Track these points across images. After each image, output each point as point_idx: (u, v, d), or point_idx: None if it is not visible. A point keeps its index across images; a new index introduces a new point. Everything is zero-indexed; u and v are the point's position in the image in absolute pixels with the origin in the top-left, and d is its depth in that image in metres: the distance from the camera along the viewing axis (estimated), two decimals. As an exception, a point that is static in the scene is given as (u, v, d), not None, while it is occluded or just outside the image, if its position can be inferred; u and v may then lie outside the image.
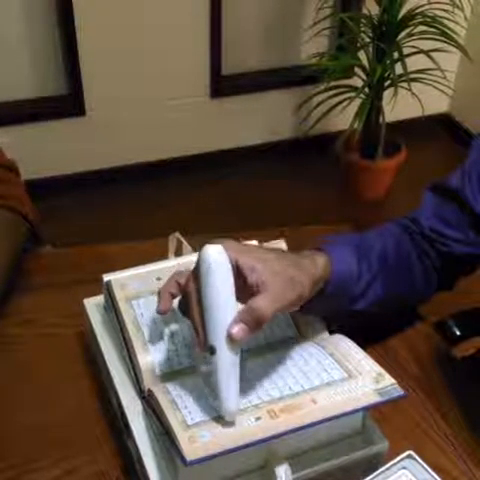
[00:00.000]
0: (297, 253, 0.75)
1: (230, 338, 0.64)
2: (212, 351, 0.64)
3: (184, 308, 0.70)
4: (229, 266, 0.66)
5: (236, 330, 0.64)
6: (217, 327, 0.64)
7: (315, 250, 0.77)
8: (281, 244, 0.85)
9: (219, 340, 0.64)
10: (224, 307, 0.65)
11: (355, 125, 2.44)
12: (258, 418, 0.65)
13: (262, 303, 0.65)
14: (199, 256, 0.66)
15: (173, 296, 0.72)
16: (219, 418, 0.65)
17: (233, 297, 0.66)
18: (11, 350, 0.90)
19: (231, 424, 0.64)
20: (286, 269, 0.69)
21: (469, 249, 0.88)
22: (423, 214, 0.90)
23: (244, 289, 0.67)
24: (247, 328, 0.64)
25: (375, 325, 0.93)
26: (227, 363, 0.65)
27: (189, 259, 0.84)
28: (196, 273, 0.67)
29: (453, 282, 0.95)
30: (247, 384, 0.68)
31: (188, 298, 0.68)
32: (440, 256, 0.89)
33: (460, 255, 0.89)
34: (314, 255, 0.75)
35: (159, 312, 0.72)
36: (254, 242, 0.88)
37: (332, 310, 0.81)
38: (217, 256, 0.65)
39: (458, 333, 1.09)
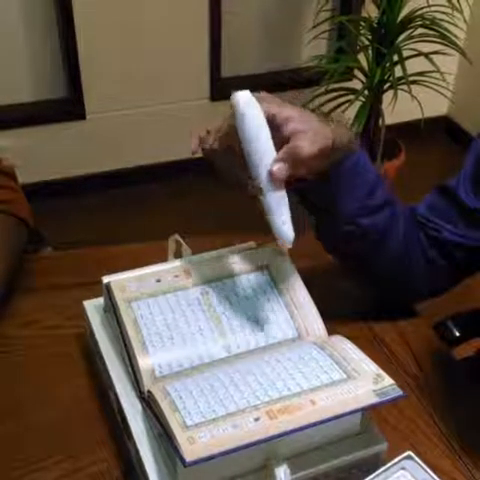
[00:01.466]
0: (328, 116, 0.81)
1: (272, 176, 0.69)
2: (260, 191, 0.70)
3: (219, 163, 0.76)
4: (260, 109, 0.70)
5: (277, 167, 0.69)
6: (260, 169, 0.70)
7: None
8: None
9: (264, 181, 0.70)
10: (262, 149, 0.70)
11: (355, 127, 2.45)
12: (257, 419, 0.65)
13: (300, 142, 0.71)
14: (231, 102, 0.70)
15: (201, 141, 0.76)
16: (219, 419, 0.65)
17: (270, 140, 0.70)
18: (11, 351, 0.90)
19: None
20: (320, 122, 0.75)
21: (459, 239, 0.90)
22: (420, 205, 0.94)
23: (280, 139, 0.72)
24: (287, 166, 0.70)
25: (374, 326, 0.93)
26: (275, 200, 0.70)
27: (188, 261, 0.84)
28: (233, 124, 0.71)
29: (445, 282, 0.95)
30: (246, 385, 0.68)
31: (233, 150, 0.72)
32: (431, 243, 0.92)
33: (450, 244, 0.91)
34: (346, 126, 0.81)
35: (192, 152, 0.78)
36: (253, 243, 0.88)
37: (338, 205, 0.83)
38: (247, 100, 0.70)
39: (457, 334, 1.10)
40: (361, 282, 0.96)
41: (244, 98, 0.70)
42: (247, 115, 0.69)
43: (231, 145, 0.73)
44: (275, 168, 0.69)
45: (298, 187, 0.81)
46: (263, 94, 0.74)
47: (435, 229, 0.92)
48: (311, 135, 0.72)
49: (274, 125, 0.72)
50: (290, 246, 0.71)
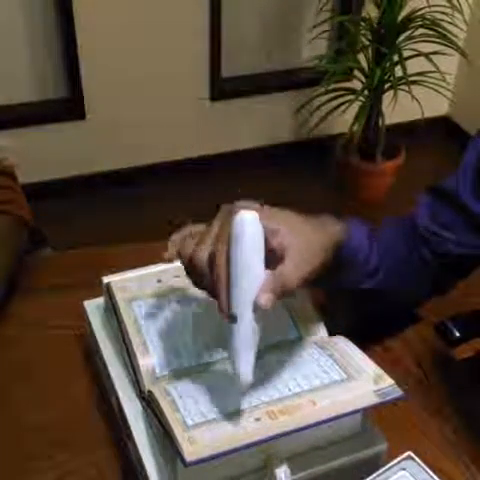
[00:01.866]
0: (318, 216, 0.76)
1: (257, 306, 0.63)
2: (233, 319, 0.63)
3: (196, 275, 0.68)
4: (262, 235, 0.65)
5: (265, 298, 0.63)
6: (241, 296, 0.63)
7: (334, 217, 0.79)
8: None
9: (241, 309, 0.63)
10: (252, 276, 0.63)
11: (355, 128, 2.45)
12: (257, 419, 0.65)
13: (288, 272, 0.65)
14: (233, 220, 0.64)
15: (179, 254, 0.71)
16: (219, 419, 0.65)
17: (262, 266, 0.65)
18: (12, 351, 0.90)
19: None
20: (310, 233, 0.70)
21: (464, 250, 0.88)
22: (419, 215, 0.91)
23: (267, 252, 0.67)
24: (274, 297, 0.64)
25: (374, 326, 0.93)
26: (247, 332, 0.63)
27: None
28: (226, 236, 0.65)
29: (447, 286, 0.95)
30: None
31: (215, 259, 0.65)
32: (435, 257, 0.90)
33: (456, 256, 0.89)
34: (335, 221, 0.77)
35: (168, 259, 0.72)
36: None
37: (339, 283, 0.83)
38: (252, 223, 0.64)
39: (457, 335, 1.09)
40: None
41: (249, 221, 0.64)
42: (247, 239, 0.63)
43: (217, 252, 0.65)
44: (263, 300, 0.63)
45: None
46: (257, 205, 0.68)
47: (440, 243, 0.89)
48: (300, 256, 0.67)
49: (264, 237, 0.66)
50: (245, 390, 0.65)
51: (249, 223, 0.64)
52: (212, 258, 0.66)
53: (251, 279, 0.63)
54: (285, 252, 0.66)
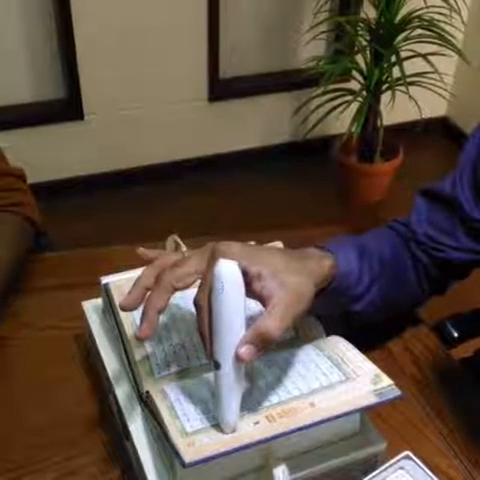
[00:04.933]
0: (303, 252, 0.73)
1: (237, 358, 0.63)
2: (216, 366, 0.64)
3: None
4: (242, 285, 0.64)
5: (243, 351, 0.62)
6: (223, 345, 0.63)
7: (320, 248, 0.76)
8: (279, 246, 0.85)
9: (224, 357, 0.63)
10: (233, 327, 0.63)
11: (353, 128, 2.45)
12: (256, 423, 0.65)
13: (270, 323, 0.63)
14: (213, 271, 0.63)
15: (147, 290, 0.68)
16: (218, 425, 0.65)
17: (243, 317, 0.64)
18: (10, 352, 0.90)
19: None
20: (294, 278, 0.67)
21: (464, 255, 0.87)
22: (416, 220, 0.89)
23: (252, 294, 0.66)
24: (255, 349, 0.63)
25: (372, 327, 0.93)
26: (230, 379, 0.64)
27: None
28: (206, 285, 0.64)
29: (446, 287, 0.94)
30: (245, 389, 0.68)
31: (198, 310, 0.65)
32: (434, 262, 0.89)
33: (455, 261, 0.88)
34: (321, 256, 0.74)
35: (122, 308, 0.68)
36: (252, 243, 0.88)
37: (330, 309, 0.81)
38: (231, 274, 0.63)
39: (456, 335, 1.10)
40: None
41: (228, 273, 0.63)
42: (226, 291, 0.63)
43: (200, 304, 0.65)
44: (242, 351, 0.62)
45: None
46: (237, 247, 0.66)
47: (439, 250, 0.88)
48: (284, 306, 0.64)
49: (245, 281, 0.64)
50: (229, 432, 0.64)
51: (229, 276, 0.63)
52: (196, 305, 0.65)
53: (231, 332, 0.63)
54: (267, 300, 0.64)
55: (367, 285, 0.82)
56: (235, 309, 0.63)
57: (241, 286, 0.64)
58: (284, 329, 0.64)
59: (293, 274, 0.67)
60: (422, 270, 0.89)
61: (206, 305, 0.64)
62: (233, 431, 0.64)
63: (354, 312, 0.84)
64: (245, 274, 0.65)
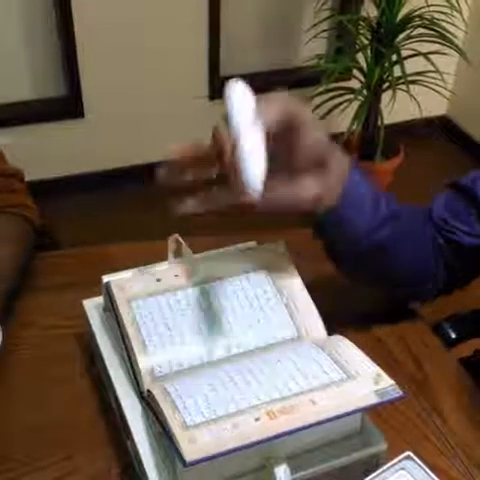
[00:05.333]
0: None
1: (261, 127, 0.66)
2: (237, 145, 0.67)
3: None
4: (248, 92, 0.69)
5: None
6: (240, 118, 0.68)
7: None
8: (280, 246, 0.85)
9: (242, 129, 0.67)
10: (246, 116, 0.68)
11: (354, 127, 2.45)
12: (257, 419, 0.65)
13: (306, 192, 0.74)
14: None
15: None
16: (219, 419, 0.65)
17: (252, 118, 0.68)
18: (11, 351, 0.90)
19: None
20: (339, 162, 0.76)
21: (476, 241, 0.90)
22: (435, 205, 0.93)
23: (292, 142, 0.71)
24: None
25: (373, 326, 0.93)
26: (254, 146, 0.66)
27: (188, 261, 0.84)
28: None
29: (458, 279, 0.95)
30: (246, 385, 0.69)
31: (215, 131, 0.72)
32: (448, 245, 0.91)
33: (467, 248, 0.90)
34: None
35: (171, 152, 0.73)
36: (253, 243, 0.88)
37: (343, 234, 0.81)
38: (235, 83, 0.70)
39: (453, 336, 1.10)
40: (372, 287, 0.94)
41: (233, 83, 0.70)
42: (232, 95, 0.69)
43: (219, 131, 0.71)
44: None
45: (305, 223, 0.81)
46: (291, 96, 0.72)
47: (452, 232, 0.90)
48: (333, 181, 0.75)
49: (291, 125, 0.70)
50: (256, 196, 0.66)
51: (232, 84, 0.70)
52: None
53: (246, 117, 0.68)
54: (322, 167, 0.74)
55: (381, 219, 0.81)
56: (243, 107, 0.68)
57: (247, 93, 0.69)
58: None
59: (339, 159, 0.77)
60: (437, 249, 0.91)
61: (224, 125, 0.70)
62: (257, 195, 0.66)
63: (358, 253, 0.83)
64: (303, 124, 0.71)
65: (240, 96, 0.69)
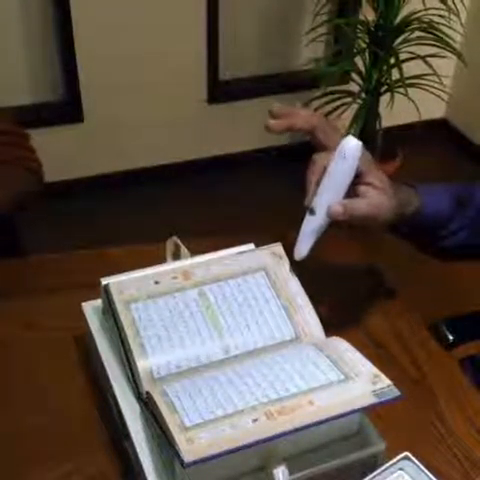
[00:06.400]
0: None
1: (329, 211, 0.80)
2: (312, 212, 0.82)
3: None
4: (358, 161, 0.80)
5: (334, 209, 0.79)
6: (325, 199, 0.80)
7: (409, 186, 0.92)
8: (278, 248, 0.85)
9: (321, 208, 0.81)
10: (339, 189, 0.80)
11: (352, 130, 2.45)
12: (255, 419, 0.65)
13: (360, 203, 0.81)
14: (341, 141, 0.80)
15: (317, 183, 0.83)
16: (217, 420, 0.65)
17: (348, 183, 0.80)
18: (11, 353, 0.90)
19: None
20: (389, 193, 0.84)
21: None
22: None
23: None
24: (342, 213, 0.79)
25: (371, 326, 0.93)
26: (317, 224, 0.82)
27: (186, 263, 0.85)
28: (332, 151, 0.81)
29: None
30: (244, 386, 0.69)
31: (313, 162, 0.84)
32: None
33: None
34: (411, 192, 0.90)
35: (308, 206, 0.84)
36: (251, 245, 0.89)
37: (419, 239, 0.96)
38: (356, 148, 0.80)
39: (451, 338, 1.09)
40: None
41: (353, 146, 0.80)
42: (347, 158, 0.79)
43: (319, 161, 0.83)
44: (332, 209, 0.80)
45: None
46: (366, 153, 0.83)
47: None
48: (374, 204, 0.82)
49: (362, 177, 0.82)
50: (298, 259, 0.82)
51: (353, 148, 0.80)
52: (311, 162, 0.85)
53: (336, 191, 0.80)
54: (365, 195, 0.81)
55: (454, 230, 0.94)
56: (348, 175, 0.80)
57: (357, 161, 0.80)
58: (369, 214, 0.82)
59: (390, 194, 0.85)
60: None
61: (323, 162, 0.82)
62: (300, 259, 0.82)
63: (443, 248, 0.96)
64: (364, 173, 0.82)
65: (350, 164, 0.80)
